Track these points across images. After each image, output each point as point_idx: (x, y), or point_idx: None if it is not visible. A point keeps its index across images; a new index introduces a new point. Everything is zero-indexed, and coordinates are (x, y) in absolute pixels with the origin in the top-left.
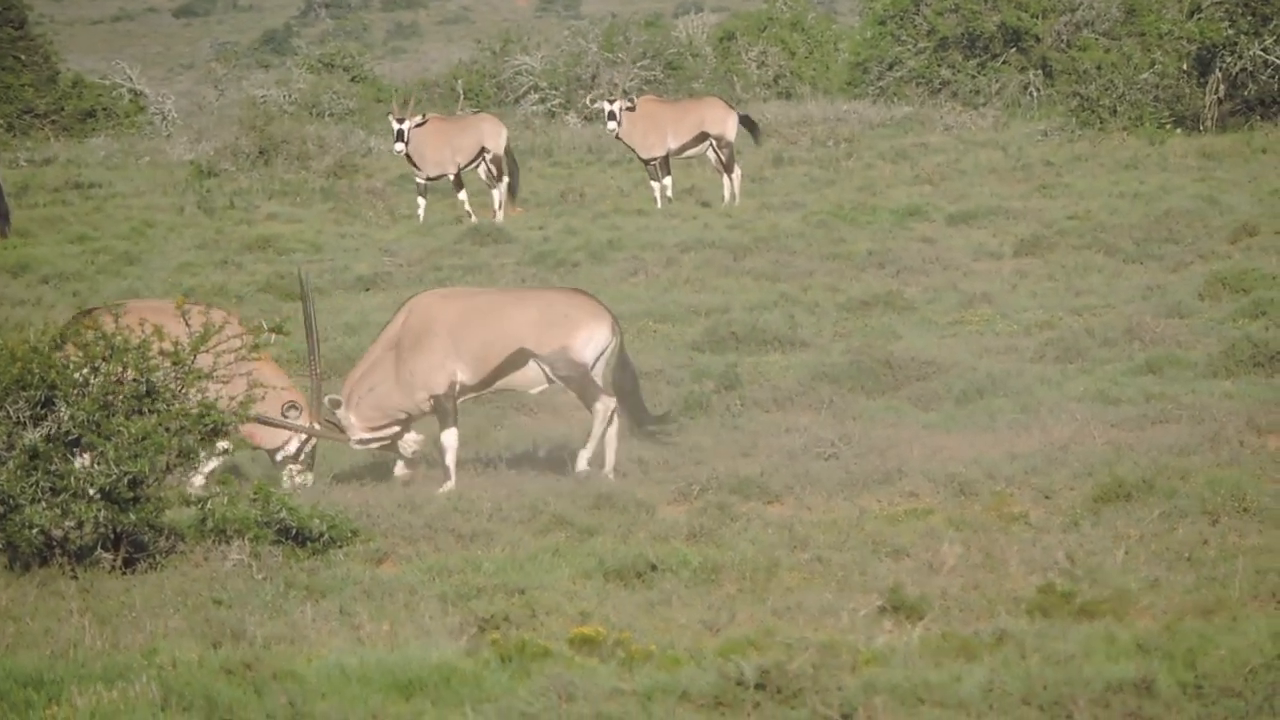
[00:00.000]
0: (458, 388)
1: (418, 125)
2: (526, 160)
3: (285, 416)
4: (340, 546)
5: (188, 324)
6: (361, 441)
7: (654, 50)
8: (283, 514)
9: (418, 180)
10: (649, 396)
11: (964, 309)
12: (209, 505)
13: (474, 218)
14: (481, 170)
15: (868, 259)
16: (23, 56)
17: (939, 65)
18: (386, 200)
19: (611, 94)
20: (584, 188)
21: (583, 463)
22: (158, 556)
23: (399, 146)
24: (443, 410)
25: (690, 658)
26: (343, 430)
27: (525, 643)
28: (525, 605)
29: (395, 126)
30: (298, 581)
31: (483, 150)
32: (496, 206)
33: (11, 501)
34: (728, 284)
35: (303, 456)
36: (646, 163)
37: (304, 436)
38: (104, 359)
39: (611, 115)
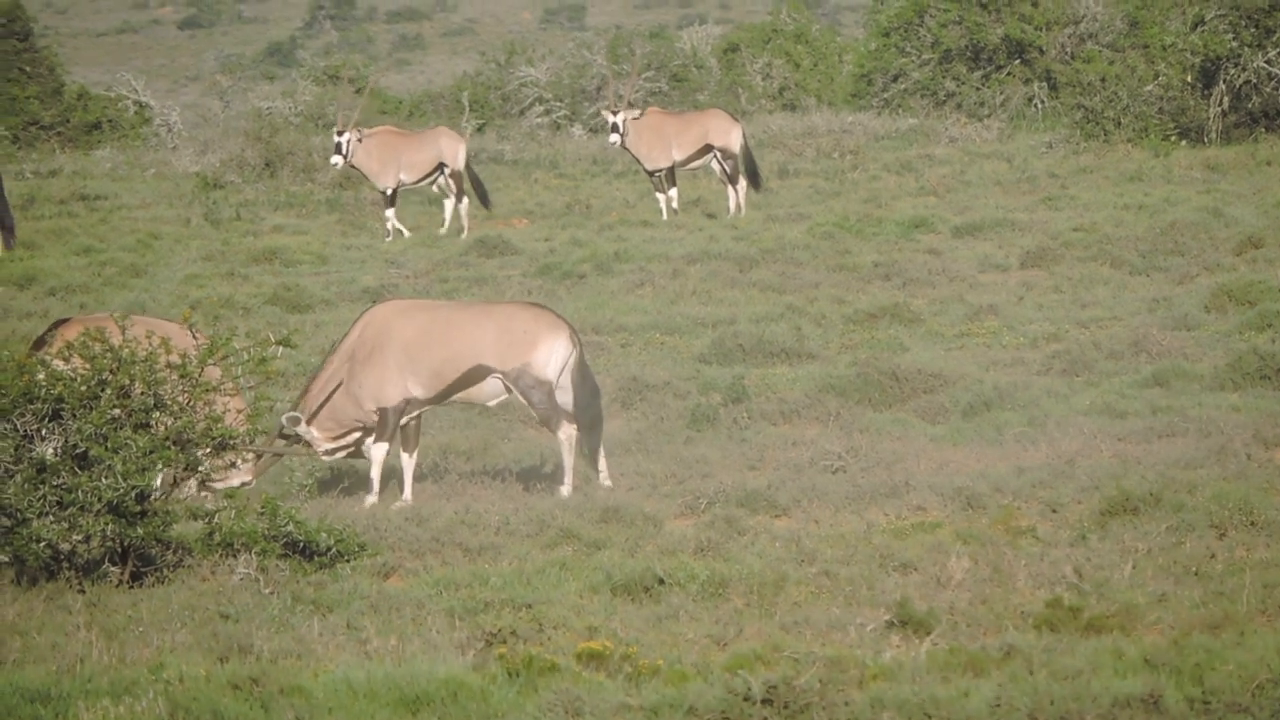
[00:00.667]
0: (407, 402)
1: (360, 139)
2: (531, 172)
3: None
4: (347, 560)
5: (194, 337)
6: (328, 452)
7: (659, 62)
8: (290, 528)
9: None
10: (655, 409)
11: (970, 321)
12: (216, 519)
13: (405, 234)
14: (438, 184)
15: (874, 271)
16: (28, 69)
17: (943, 77)
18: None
19: (615, 105)
20: (590, 199)
21: (566, 492)
22: (165, 571)
23: (336, 159)
24: (384, 423)
25: (697, 672)
26: (306, 444)
27: (532, 657)
28: (533, 620)
29: (335, 139)
30: (305, 596)
31: (440, 165)
32: (447, 219)
33: (19, 515)
34: (734, 296)
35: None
36: (651, 174)
37: (239, 482)
38: (111, 371)
39: (615, 127)
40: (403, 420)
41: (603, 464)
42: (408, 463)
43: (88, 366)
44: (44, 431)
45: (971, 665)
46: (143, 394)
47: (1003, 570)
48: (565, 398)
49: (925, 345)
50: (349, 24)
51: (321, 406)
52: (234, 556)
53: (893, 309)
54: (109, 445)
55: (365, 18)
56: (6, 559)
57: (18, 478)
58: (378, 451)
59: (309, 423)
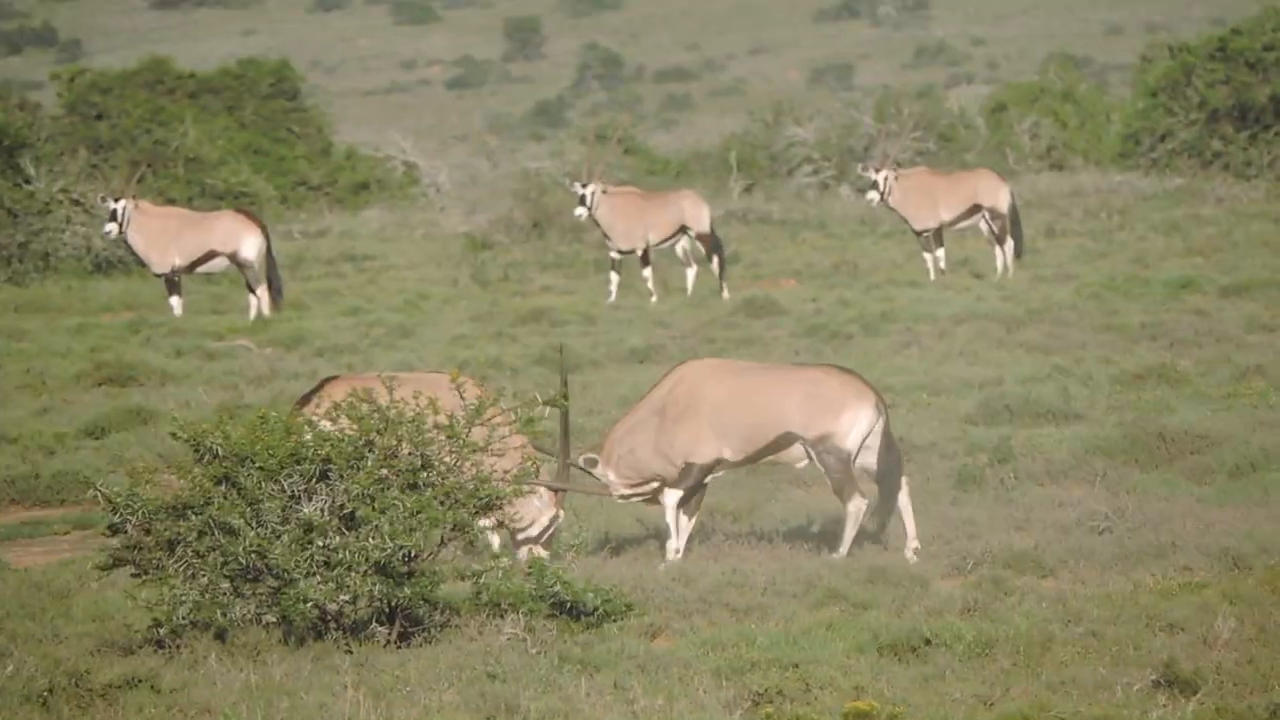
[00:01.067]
0: (718, 462)
1: (605, 191)
2: (799, 232)
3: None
4: (615, 620)
5: (462, 397)
6: (624, 497)
7: (926, 121)
8: (557, 588)
9: (611, 255)
10: (922, 469)
11: (1237, 382)
12: (483, 579)
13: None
14: (680, 248)
15: (1141, 331)
16: (296, 129)
17: (1210, 137)
18: (660, 272)
19: (879, 164)
20: (857, 259)
21: (841, 555)
22: (432, 630)
23: (580, 210)
24: (687, 475)
25: None
26: (603, 486)
27: (799, 717)
28: (799, 680)
29: (579, 191)
30: (572, 655)
31: (683, 227)
32: (689, 285)
33: (286, 576)
34: (1001, 356)
35: (544, 538)
36: (919, 234)
37: (549, 519)
38: (379, 432)
39: (874, 184)
40: (707, 478)
41: (912, 529)
42: (685, 523)
43: (355, 427)
44: (311, 492)
45: None
46: (410, 454)
47: (1269, 630)
48: (869, 459)
49: (1192, 406)
50: (617, 84)
51: (623, 453)
52: (501, 616)
53: (1159, 369)
54: (376, 506)
55: (633, 77)
56: (274, 619)
57: (285, 538)
58: (669, 497)
59: (608, 466)
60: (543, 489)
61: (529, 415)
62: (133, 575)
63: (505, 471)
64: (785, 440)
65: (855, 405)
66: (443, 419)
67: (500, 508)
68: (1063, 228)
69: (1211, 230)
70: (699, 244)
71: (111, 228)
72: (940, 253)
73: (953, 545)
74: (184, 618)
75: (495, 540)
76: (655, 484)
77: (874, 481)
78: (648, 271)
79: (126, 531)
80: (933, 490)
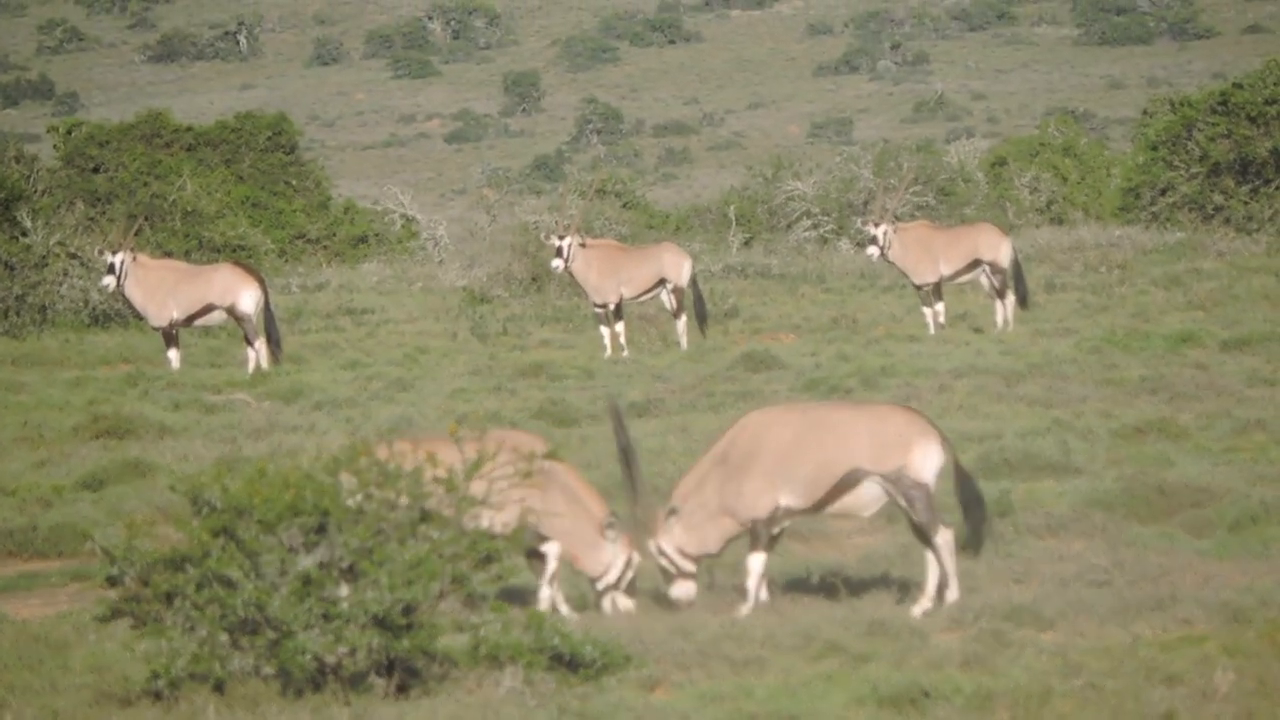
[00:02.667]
0: (781, 512)
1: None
2: (798, 286)
3: (604, 535)
4: (613, 673)
5: (461, 451)
6: (661, 550)
7: (926, 175)
8: (555, 640)
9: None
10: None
11: (1238, 436)
12: (482, 632)
13: (624, 351)
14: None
15: (1140, 385)
16: (294, 182)
17: (1211, 191)
18: (658, 326)
19: (878, 218)
20: (856, 314)
21: (953, 597)
22: (431, 682)
23: (556, 263)
24: (756, 534)
25: None
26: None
27: None
28: None
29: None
30: (571, 708)
31: (662, 280)
32: (681, 339)
33: (285, 628)
34: (1000, 410)
35: (625, 584)
36: (919, 288)
37: (624, 563)
38: (377, 485)
39: (873, 239)
40: (775, 530)
41: (931, 586)
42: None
43: (353, 480)
44: (310, 544)
45: None
46: (409, 508)
47: (1269, 683)
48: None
49: (1192, 460)
50: (616, 138)
51: (693, 509)
52: (499, 669)
53: (1159, 423)
54: (374, 559)
55: (632, 131)
56: (272, 671)
57: (283, 590)
58: (755, 563)
59: (677, 521)
60: (612, 533)
61: (527, 469)
62: (131, 627)
63: (505, 525)
64: (853, 478)
65: (924, 441)
66: (442, 472)
67: (500, 561)
68: (1063, 282)
69: (1212, 284)
70: (673, 298)
71: (109, 281)
72: (940, 307)
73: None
74: (182, 669)
75: (545, 592)
76: (690, 565)
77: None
78: (620, 326)
79: (124, 583)
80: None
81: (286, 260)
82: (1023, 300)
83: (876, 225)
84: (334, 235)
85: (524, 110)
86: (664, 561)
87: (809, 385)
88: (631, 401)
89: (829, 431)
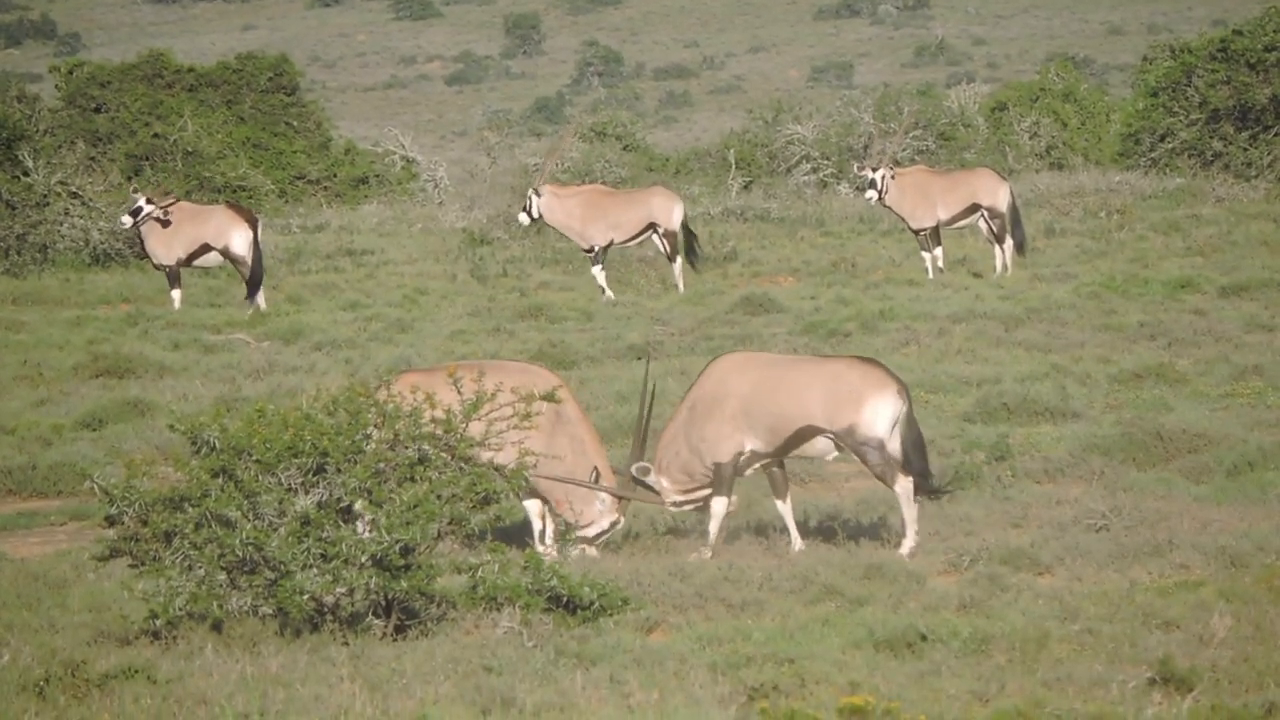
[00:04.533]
0: (744, 457)
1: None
2: (797, 229)
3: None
4: (611, 615)
5: (459, 391)
6: (676, 504)
7: (926, 120)
8: (553, 582)
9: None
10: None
11: (1235, 381)
12: (480, 573)
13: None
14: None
15: (1139, 331)
16: (295, 123)
17: (1211, 137)
18: (658, 269)
19: (876, 162)
20: (856, 257)
21: (907, 550)
22: (429, 623)
23: (522, 217)
24: (720, 477)
25: None
26: (656, 493)
27: (794, 712)
28: (795, 674)
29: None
30: (568, 649)
31: (652, 225)
32: (676, 278)
33: (283, 568)
34: (999, 355)
35: (598, 540)
36: (917, 233)
37: (608, 523)
38: (376, 426)
39: (872, 183)
40: (746, 473)
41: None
42: (785, 510)
43: (352, 420)
44: (308, 485)
45: None
46: (407, 449)
47: (1265, 628)
48: (893, 445)
49: (1190, 405)
50: (616, 81)
51: (670, 457)
52: (497, 610)
53: (1158, 369)
54: (373, 499)
55: (633, 75)
56: (270, 611)
57: (282, 531)
58: (717, 506)
59: (660, 473)
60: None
61: (526, 410)
62: (129, 566)
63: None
64: (807, 433)
65: (876, 396)
66: (440, 414)
67: (498, 501)
68: (1062, 227)
69: (1211, 230)
70: (665, 241)
71: (127, 220)
72: (938, 251)
73: (949, 542)
74: (180, 609)
75: (536, 523)
76: (706, 490)
77: (908, 469)
78: (597, 270)
79: (123, 523)
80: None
81: (287, 201)
82: (1020, 246)
83: (875, 170)
84: (334, 176)
85: (525, 52)
86: (684, 509)
87: (808, 329)
88: (630, 344)
89: (785, 387)
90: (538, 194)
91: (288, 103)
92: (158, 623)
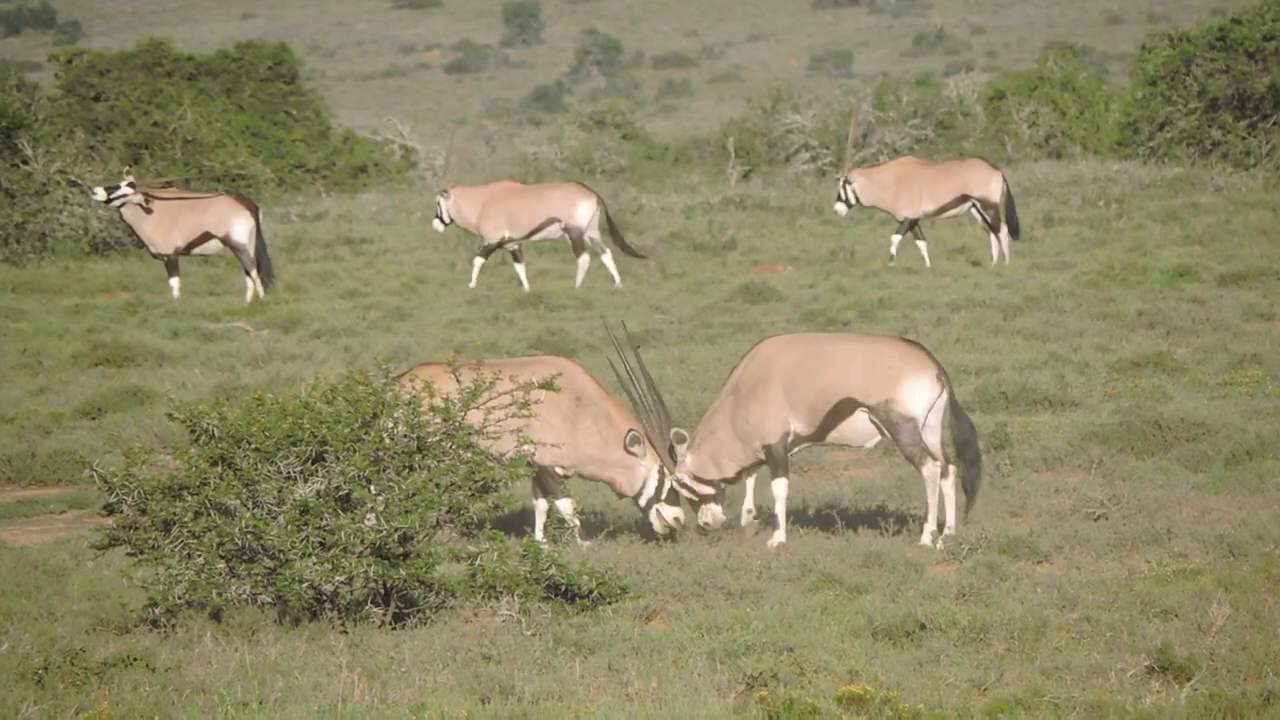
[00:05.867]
0: (791, 437)
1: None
2: (796, 218)
3: (630, 450)
4: (609, 603)
5: (458, 380)
6: (680, 483)
7: (925, 109)
8: (552, 570)
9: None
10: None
11: (1234, 370)
12: (478, 561)
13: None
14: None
15: (1138, 319)
16: (294, 111)
17: (1209, 126)
18: (657, 257)
19: (845, 169)
20: (854, 246)
21: (927, 538)
22: (427, 612)
23: (436, 224)
24: (774, 459)
25: (958, 717)
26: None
27: (793, 701)
28: (793, 663)
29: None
30: (566, 638)
31: (552, 221)
32: (579, 276)
33: (282, 556)
34: (998, 343)
35: (665, 494)
36: (902, 224)
37: (659, 474)
38: (375, 415)
39: (839, 197)
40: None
41: (952, 515)
42: (947, 494)
43: (351, 409)
44: (307, 473)
45: (1231, 711)
46: (406, 437)
47: (1264, 617)
48: (933, 439)
49: (1188, 394)
50: (615, 70)
51: (705, 435)
52: (496, 599)
53: (1156, 357)
54: (372, 488)
55: (632, 63)
56: (269, 599)
57: (281, 519)
58: (779, 488)
59: (691, 450)
60: (640, 439)
61: (525, 399)
62: (128, 555)
63: (502, 454)
64: (845, 408)
65: (915, 374)
66: (439, 402)
67: (497, 490)
68: (1060, 216)
69: (1209, 219)
70: (568, 237)
71: (100, 193)
72: (922, 244)
73: (948, 530)
74: (179, 597)
75: (565, 507)
76: (710, 490)
77: (938, 455)
78: (520, 268)
79: (122, 511)
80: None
81: (286, 190)
82: (1014, 231)
83: (842, 181)
84: (333, 165)
85: (524, 41)
86: (685, 493)
87: (807, 317)
88: (629, 332)
89: (828, 360)
90: (445, 196)
91: (287, 91)
92: (157, 611)
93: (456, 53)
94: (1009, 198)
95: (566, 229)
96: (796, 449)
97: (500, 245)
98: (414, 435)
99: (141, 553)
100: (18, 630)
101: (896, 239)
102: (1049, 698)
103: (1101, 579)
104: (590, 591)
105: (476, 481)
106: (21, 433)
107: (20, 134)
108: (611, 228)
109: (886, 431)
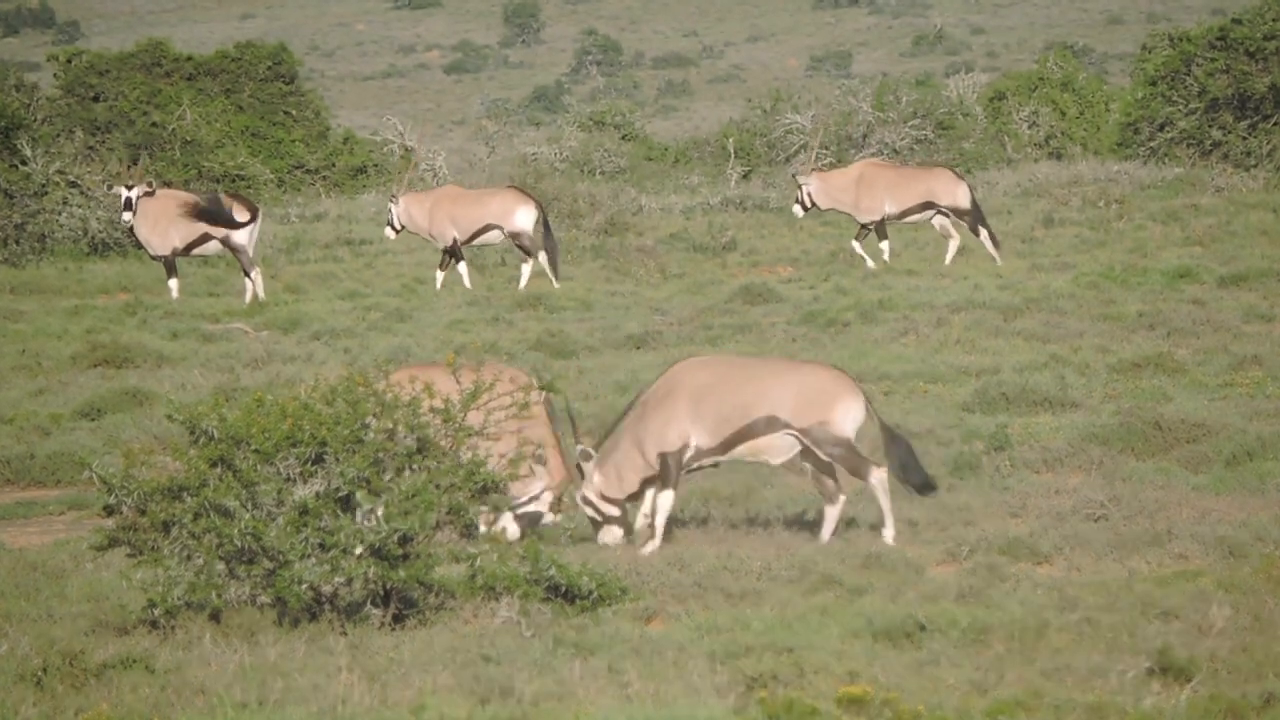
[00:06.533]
0: (690, 451)
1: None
2: (797, 219)
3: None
4: (609, 604)
5: (458, 381)
6: (585, 499)
7: (924, 109)
8: (552, 571)
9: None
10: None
11: (1234, 371)
12: (478, 562)
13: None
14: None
15: (1138, 321)
16: (294, 112)
17: (1210, 126)
18: (657, 258)
19: (804, 170)
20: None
21: (889, 538)
22: (427, 613)
23: (126, 216)
24: (666, 469)
25: (958, 718)
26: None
27: (793, 702)
28: (793, 664)
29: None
30: (566, 639)
31: (491, 226)
32: (523, 280)
33: (281, 558)
34: (998, 345)
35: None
36: (863, 226)
37: (548, 501)
38: (374, 415)
39: (797, 199)
40: (687, 469)
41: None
42: (831, 512)
43: (351, 410)
44: (306, 475)
45: (1232, 712)
46: (406, 438)
47: (1264, 618)
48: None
49: (1189, 395)
50: (615, 70)
51: (609, 448)
52: (496, 600)
53: (1156, 359)
54: (371, 489)
55: (631, 64)
56: (269, 601)
57: (280, 520)
58: (665, 499)
59: (597, 467)
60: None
61: (525, 400)
62: (128, 556)
63: (501, 455)
64: (769, 425)
65: (849, 398)
66: (439, 403)
67: (497, 490)
68: (1061, 217)
69: (1210, 220)
70: (509, 241)
71: (127, 216)
72: (884, 245)
73: (948, 532)
74: (179, 599)
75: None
76: (614, 510)
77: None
78: (462, 267)
79: (122, 512)
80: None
81: (285, 190)
82: (993, 240)
83: (804, 185)
84: (333, 166)
85: (523, 41)
86: (589, 510)
87: (806, 318)
88: (629, 334)
89: (751, 380)
90: (395, 203)
91: (286, 92)
92: (156, 612)
93: (456, 53)
94: (976, 205)
95: (507, 234)
96: (696, 465)
97: (455, 247)
98: (414, 436)
99: (141, 554)
100: (17, 631)
101: (856, 245)
102: (1049, 699)
103: (1102, 580)
104: (590, 593)
105: (476, 482)
106: (21, 434)
107: (19, 134)
108: (547, 232)
109: (823, 455)
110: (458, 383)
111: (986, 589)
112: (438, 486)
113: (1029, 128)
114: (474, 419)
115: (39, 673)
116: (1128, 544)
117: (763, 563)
